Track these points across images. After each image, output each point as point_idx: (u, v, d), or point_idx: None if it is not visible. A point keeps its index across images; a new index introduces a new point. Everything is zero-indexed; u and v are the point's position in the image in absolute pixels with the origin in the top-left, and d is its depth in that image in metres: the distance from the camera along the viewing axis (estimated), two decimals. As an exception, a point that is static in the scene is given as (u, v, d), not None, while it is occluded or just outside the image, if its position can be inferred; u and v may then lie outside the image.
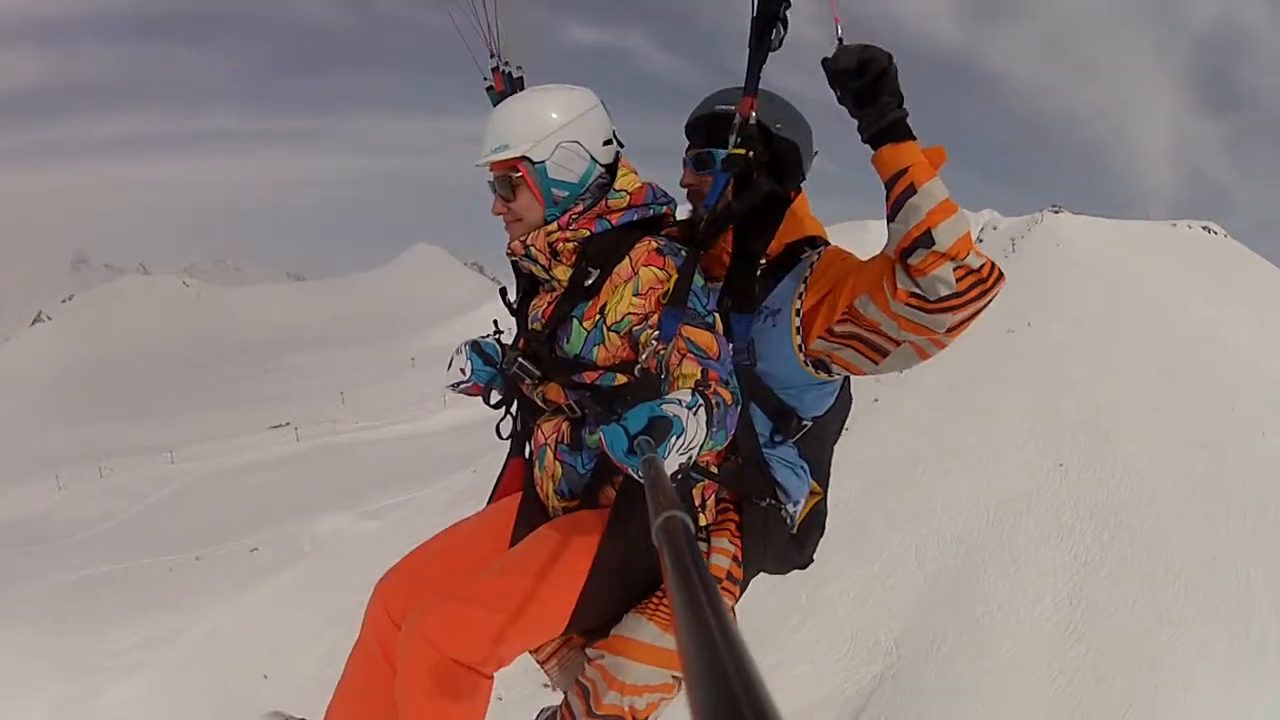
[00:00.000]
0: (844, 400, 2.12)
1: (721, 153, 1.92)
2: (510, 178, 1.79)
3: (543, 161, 1.77)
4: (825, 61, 1.64)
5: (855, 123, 1.68)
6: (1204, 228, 27.14)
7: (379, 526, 13.80)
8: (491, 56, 2.23)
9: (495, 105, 2.08)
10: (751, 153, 1.82)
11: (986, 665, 7.82)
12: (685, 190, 2.07)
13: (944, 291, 1.62)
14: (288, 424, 48.87)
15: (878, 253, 1.79)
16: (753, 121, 1.83)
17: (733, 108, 1.89)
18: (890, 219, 1.65)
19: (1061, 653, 8.05)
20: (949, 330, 1.69)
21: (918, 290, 1.64)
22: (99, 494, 32.63)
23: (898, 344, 1.76)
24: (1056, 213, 25.91)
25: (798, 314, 1.89)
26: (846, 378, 2.05)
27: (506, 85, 2.22)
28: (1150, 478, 10.85)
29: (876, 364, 1.81)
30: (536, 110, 1.80)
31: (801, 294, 1.90)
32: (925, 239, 1.59)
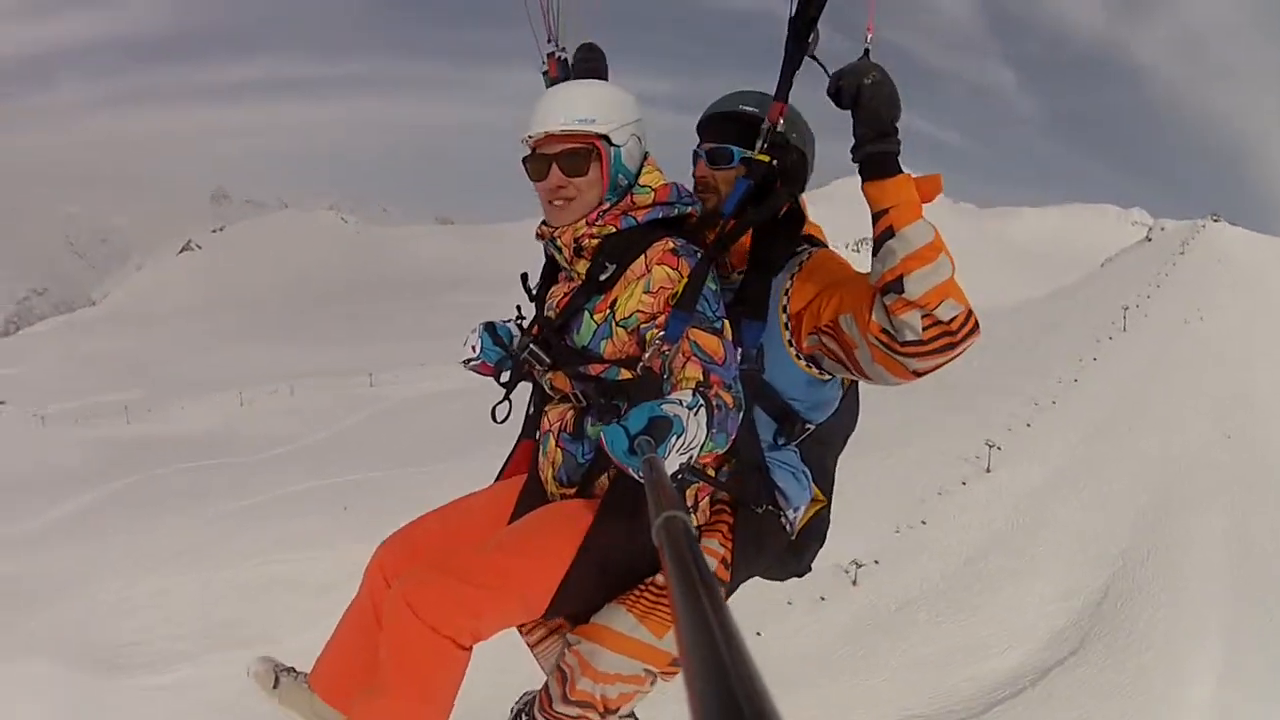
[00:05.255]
0: (850, 409, 2.08)
1: (739, 151, 1.94)
2: (584, 152, 1.75)
3: (619, 146, 1.77)
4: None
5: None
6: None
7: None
8: (549, 41, 2.20)
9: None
10: (776, 160, 1.81)
11: (1182, 578, 10.37)
12: (695, 183, 2.06)
13: (910, 337, 1.60)
14: (476, 356, 50.86)
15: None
16: (781, 129, 1.82)
17: (756, 110, 1.92)
18: (873, 253, 1.63)
19: (1233, 571, 10.67)
20: (915, 373, 1.67)
21: (888, 329, 1.63)
22: (285, 410, 29.67)
23: (865, 374, 1.76)
24: (1216, 221, 28.36)
25: (784, 310, 1.87)
26: (854, 388, 2.06)
27: (560, 72, 2.19)
28: (1293, 448, 13.81)
29: (860, 373, 1.79)
30: (619, 97, 1.80)
31: (788, 290, 1.89)
32: (896, 284, 1.57)
